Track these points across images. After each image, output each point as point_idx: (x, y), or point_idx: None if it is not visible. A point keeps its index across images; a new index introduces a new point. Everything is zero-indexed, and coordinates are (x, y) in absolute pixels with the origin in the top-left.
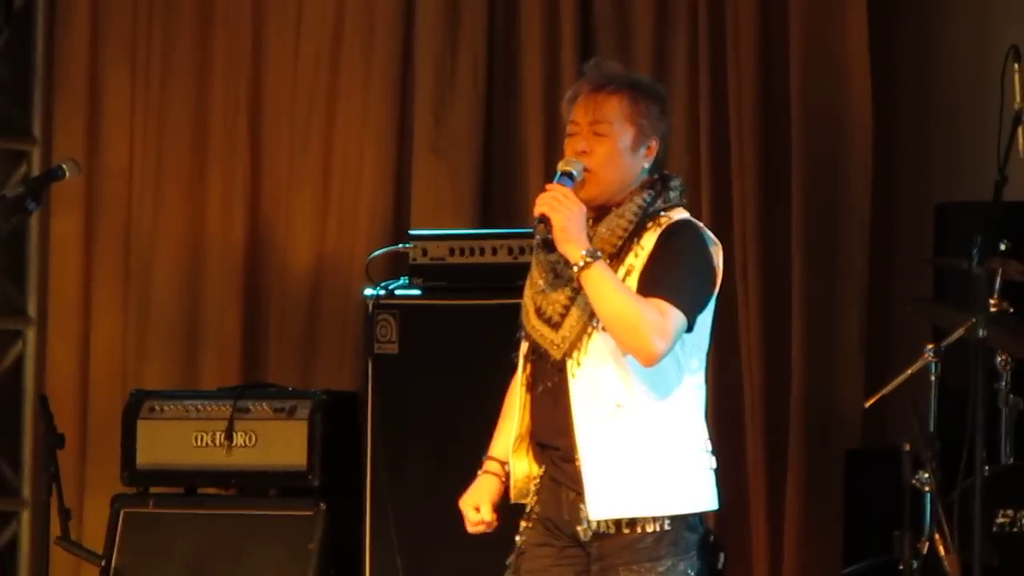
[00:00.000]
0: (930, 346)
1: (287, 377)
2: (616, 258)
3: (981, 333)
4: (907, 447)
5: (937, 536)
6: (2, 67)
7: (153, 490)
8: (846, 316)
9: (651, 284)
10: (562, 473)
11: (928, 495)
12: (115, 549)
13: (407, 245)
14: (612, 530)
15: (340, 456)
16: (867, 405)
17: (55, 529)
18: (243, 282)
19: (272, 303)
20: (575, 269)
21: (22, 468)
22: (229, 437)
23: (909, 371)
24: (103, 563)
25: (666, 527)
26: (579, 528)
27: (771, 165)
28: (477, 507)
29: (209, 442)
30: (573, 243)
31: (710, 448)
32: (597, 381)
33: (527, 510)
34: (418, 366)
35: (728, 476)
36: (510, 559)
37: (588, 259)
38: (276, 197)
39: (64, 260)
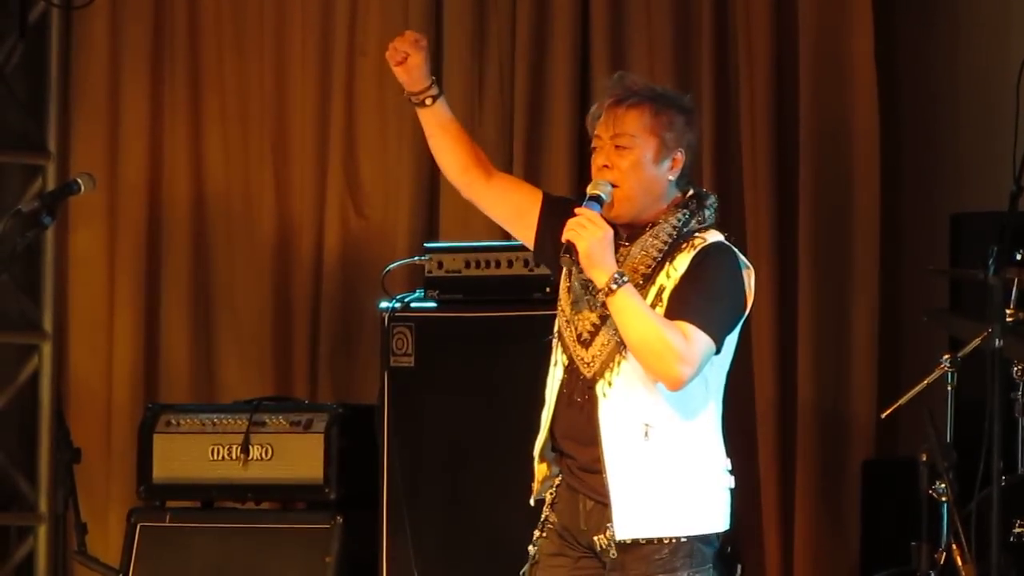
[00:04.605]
0: (946, 356)
1: (303, 390)
2: (648, 279)
3: (997, 343)
4: (924, 458)
5: (954, 546)
6: (17, 82)
7: (170, 504)
8: (857, 327)
9: (679, 307)
10: (580, 482)
11: (945, 506)
12: (132, 563)
13: (423, 257)
14: (629, 541)
15: (356, 469)
16: (883, 416)
17: (73, 543)
18: (264, 297)
19: (295, 317)
20: (601, 295)
21: (39, 483)
22: (245, 451)
23: (925, 382)
24: None
25: (682, 540)
26: (597, 538)
27: (782, 175)
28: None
29: (225, 455)
30: (598, 268)
31: (729, 467)
32: (627, 402)
33: (541, 519)
34: (434, 378)
35: (740, 488)
36: (524, 569)
37: (613, 286)
38: (302, 211)
39: (85, 274)
